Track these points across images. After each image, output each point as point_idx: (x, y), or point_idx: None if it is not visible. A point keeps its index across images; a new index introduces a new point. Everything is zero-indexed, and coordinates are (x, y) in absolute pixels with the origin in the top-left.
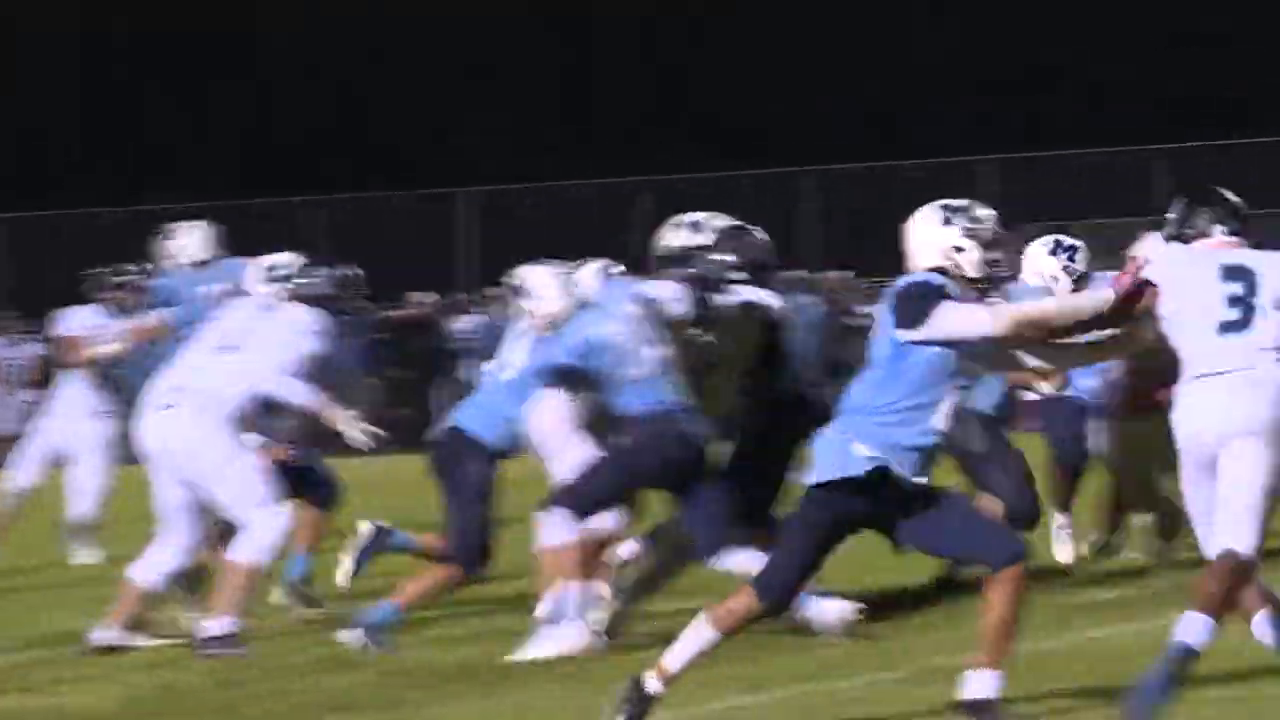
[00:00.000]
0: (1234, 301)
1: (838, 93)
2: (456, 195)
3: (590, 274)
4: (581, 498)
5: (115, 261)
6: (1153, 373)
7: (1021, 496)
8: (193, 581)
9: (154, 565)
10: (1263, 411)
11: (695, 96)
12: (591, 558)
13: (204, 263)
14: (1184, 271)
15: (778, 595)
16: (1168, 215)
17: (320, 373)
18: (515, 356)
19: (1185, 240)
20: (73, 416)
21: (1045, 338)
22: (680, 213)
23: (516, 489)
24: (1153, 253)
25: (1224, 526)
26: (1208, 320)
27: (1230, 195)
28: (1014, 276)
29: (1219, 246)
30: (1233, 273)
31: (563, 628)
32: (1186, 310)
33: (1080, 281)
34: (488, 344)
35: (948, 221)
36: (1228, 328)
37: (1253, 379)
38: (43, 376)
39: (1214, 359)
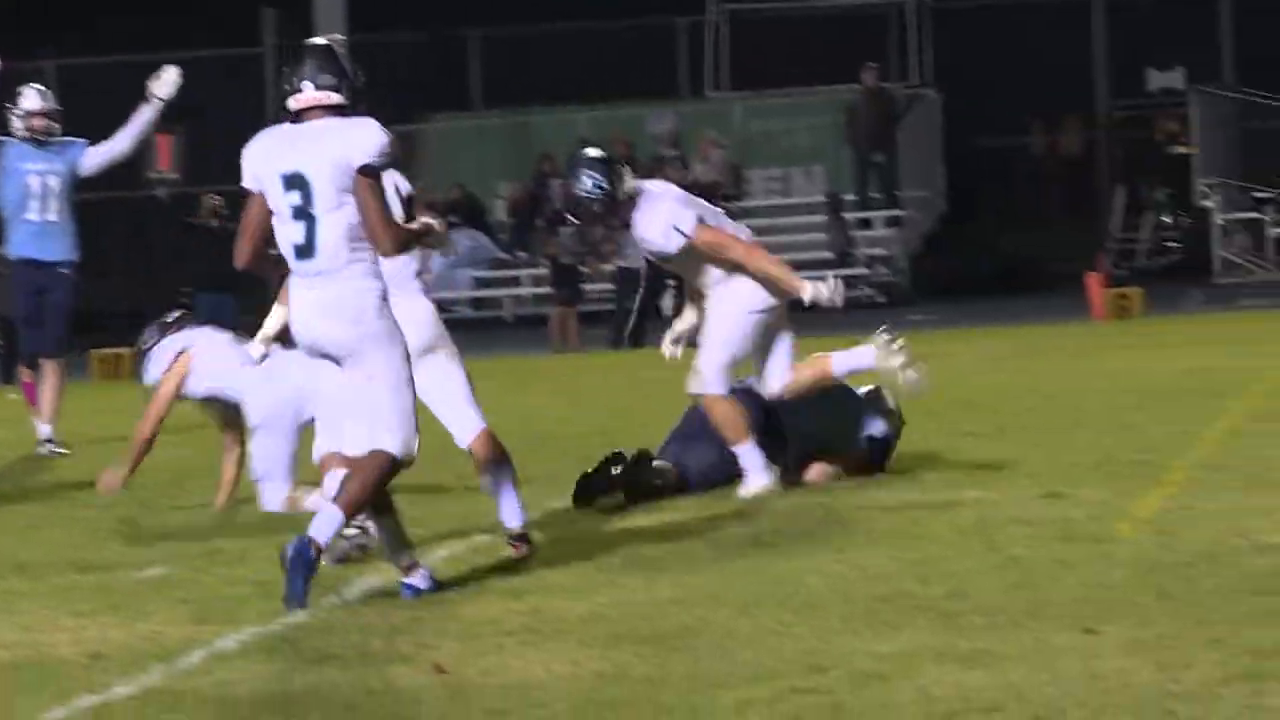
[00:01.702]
0: (298, 214)
1: None
2: None
3: None
4: None
5: None
6: None
7: None
8: None
9: None
10: (348, 331)
11: None
12: None
13: None
14: (261, 173)
15: None
16: None
17: None
18: None
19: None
20: None
21: None
22: None
23: None
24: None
25: (370, 427)
26: (284, 238)
27: (325, 42)
28: None
29: (311, 105)
30: (292, 181)
31: None
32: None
33: None
34: None
35: None
36: (300, 253)
37: (328, 301)
38: None
39: (298, 280)
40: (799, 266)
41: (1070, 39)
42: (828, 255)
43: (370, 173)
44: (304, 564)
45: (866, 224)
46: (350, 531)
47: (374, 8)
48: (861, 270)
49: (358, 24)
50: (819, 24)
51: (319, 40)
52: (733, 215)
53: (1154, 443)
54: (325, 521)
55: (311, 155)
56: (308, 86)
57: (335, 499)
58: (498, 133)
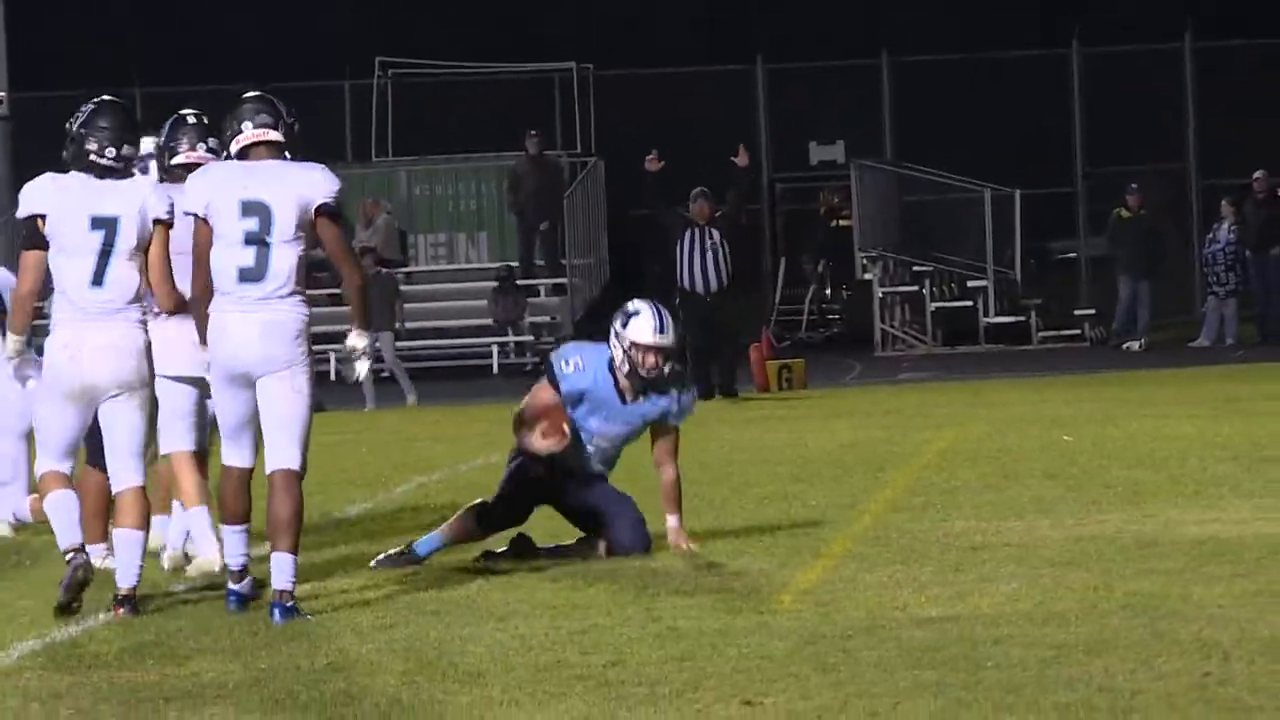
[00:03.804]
0: (250, 240)
1: None
2: None
3: None
4: None
5: None
6: None
7: None
8: None
9: None
10: (289, 350)
11: None
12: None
13: None
14: (214, 199)
15: None
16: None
17: None
18: None
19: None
20: None
21: None
22: None
23: None
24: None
25: (280, 447)
26: (228, 261)
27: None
28: None
29: (254, 141)
30: (250, 209)
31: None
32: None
33: None
34: None
35: None
36: (246, 276)
37: (274, 324)
38: None
39: (233, 303)
40: (465, 333)
41: (733, 110)
42: (490, 322)
43: (329, 212)
44: (295, 615)
45: (533, 291)
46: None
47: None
48: (527, 337)
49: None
50: (484, 90)
51: (254, 92)
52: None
53: (815, 514)
54: (285, 569)
55: (274, 187)
56: (246, 126)
57: (280, 544)
58: None
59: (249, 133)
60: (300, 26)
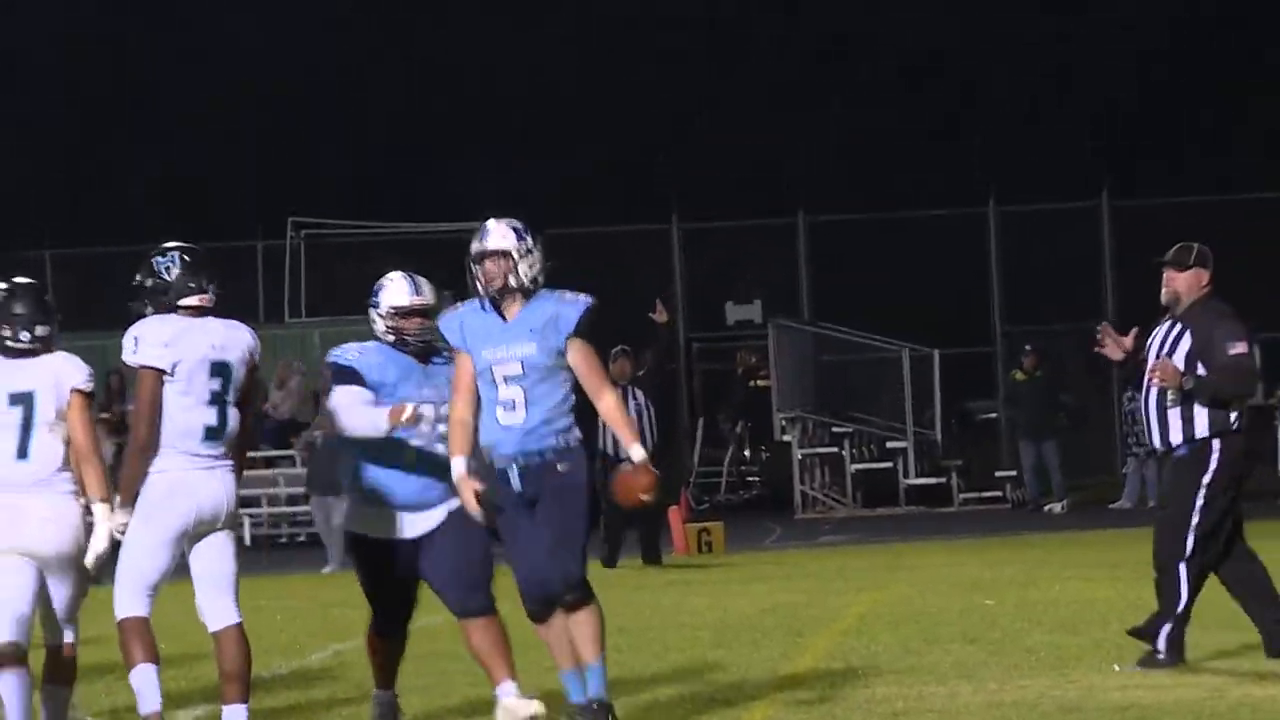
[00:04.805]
0: (214, 400)
1: None
2: None
3: None
4: None
5: None
6: None
7: None
8: None
9: None
10: (235, 509)
11: None
12: None
13: None
14: (184, 357)
15: None
16: None
17: None
18: None
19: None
20: None
21: None
22: None
23: None
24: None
25: (226, 602)
26: (193, 420)
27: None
28: None
29: (205, 305)
30: (217, 369)
31: None
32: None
33: None
34: None
35: None
36: (211, 434)
37: (232, 483)
38: None
39: (197, 460)
40: None
41: (650, 269)
42: None
43: (256, 370)
44: None
45: None
46: None
47: None
48: None
49: None
50: (397, 250)
51: (190, 245)
52: None
53: (735, 680)
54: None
55: (231, 348)
56: (211, 289)
57: (235, 697)
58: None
59: (211, 295)
60: (213, 185)
